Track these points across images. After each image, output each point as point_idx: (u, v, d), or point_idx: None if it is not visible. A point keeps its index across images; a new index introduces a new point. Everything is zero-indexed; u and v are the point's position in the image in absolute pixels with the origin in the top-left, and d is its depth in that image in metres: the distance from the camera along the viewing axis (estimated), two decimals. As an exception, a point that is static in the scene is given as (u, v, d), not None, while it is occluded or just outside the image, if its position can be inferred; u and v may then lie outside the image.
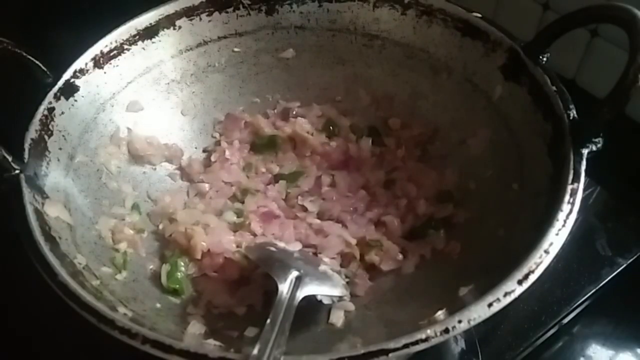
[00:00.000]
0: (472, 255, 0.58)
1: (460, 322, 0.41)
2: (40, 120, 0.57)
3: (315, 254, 0.62)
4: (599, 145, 0.50)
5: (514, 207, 0.56)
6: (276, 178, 0.70)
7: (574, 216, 0.47)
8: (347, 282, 0.59)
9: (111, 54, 0.65)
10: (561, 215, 0.47)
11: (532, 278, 0.44)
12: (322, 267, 0.58)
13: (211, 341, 0.50)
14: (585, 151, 0.50)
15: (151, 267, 0.61)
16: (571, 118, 0.53)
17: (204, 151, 0.73)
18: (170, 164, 0.70)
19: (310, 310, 0.54)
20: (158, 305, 0.56)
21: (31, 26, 1.00)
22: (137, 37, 0.67)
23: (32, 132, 0.56)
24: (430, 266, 0.61)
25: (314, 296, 0.53)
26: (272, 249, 0.59)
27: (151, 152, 0.68)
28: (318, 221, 0.65)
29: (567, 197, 0.48)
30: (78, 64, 0.62)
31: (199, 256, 0.60)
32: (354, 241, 0.62)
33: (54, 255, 0.48)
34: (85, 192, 0.60)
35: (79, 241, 0.55)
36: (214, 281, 0.60)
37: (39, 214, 0.52)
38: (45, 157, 0.57)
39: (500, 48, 0.62)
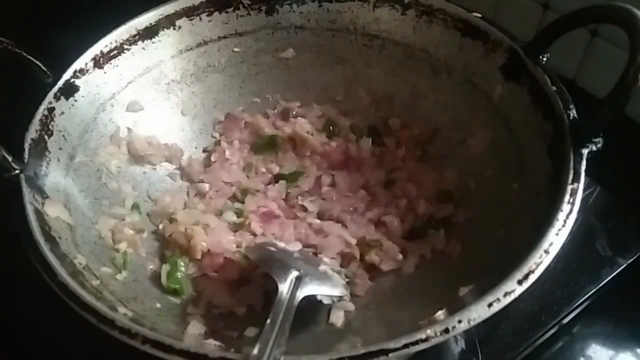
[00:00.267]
0: (472, 255, 0.58)
1: (460, 322, 0.41)
2: (40, 120, 0.57)
3: (315, 254, 0.62)
4: (599, 145, 0.50)
5: (514, 207, 0.56)
6: (276, 178, 0.70)
7: (574, 216, 0.47)
8: (347, 282, 0.59)
9: (111, 54, 0.65)
10: (561, 215, 0.47)
11: (532, 278, 0.44)
12: (322, 267, 0.58)
13: (211, 341, 0.50)
14: (585, 151, 0.50)
15: (151, 267, 0.61)
16: (571, 118, 0.53)
17: (204, 151, 0.73)
18: (170, 164, 0.70)
19: (310, 310, 0.54)
20: (158, 305, 0.56)
21: (31, 26, 1.00)
22: (137, 37, 0.67)
23: (32, 132, 0.56)
24: (430, 266, 0.61)
25: (314, 296, 0.53)
26: (272, 249, 0.59)
27: (151, 152, 0.68)
28: (318, 221, 0.65)
29: (567, 197, 0.48)
30: (78, 64, 0.62)
31: (199, 256, 0.60)
32: (354, 241, 0.62)
33: (54, 255, 0.48)
34: (85, 192, 0.60)
35: (79, 241, 0.55)
36: (214, 281, 0.60)
37: (39, 214, 0.52)
38: (45, 157, 0.57)
39: (500, 48, 0.62)
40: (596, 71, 0.79)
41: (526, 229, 0.51)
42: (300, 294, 0.50)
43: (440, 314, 0.46)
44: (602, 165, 0.53)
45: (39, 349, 0.64)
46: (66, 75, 0.61)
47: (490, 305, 0.42)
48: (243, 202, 0.67)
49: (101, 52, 0.64)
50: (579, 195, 0.48)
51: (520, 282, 0.43)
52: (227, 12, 0.70)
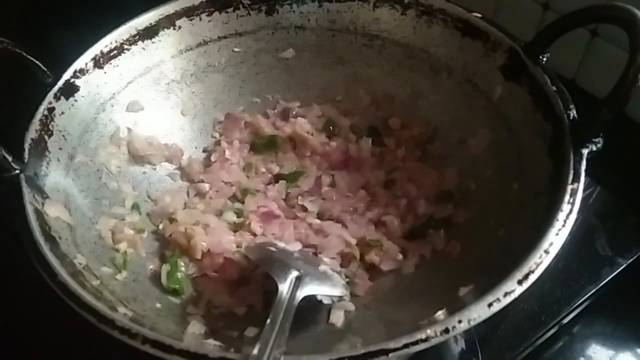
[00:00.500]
0: (472, 255, 0.58)
1: (460, 322, 0.41)
2: (40, 120, 0.57)
3: (315, 254, 0.62)
4: (599, 145, 0.50)
5: (514, 207, 0.56)
6: (276, 178, 0.70)
7: (574, 216, 0.47)
8: (347, 282, 0.59)
9: (111, 54, 0.65)
10: (561, 215, 0.47)
11: (532, 278, 0.44)
12: (322, 267, 0.58)
13: (211, 341, 0.50)
14: (585, 151, 0.50)
15: (151, 267, 0.61)
16: (571, 118, 0.53)
17: (204, 151, 0.73)
18: (170, 164, 0.70)
19: (310, 310, 0.54)
20: (158, 305, 0.56)
21: (31, 26, 1.00)
22: (137, 37, 0.67)
23: (32, 132, 0.56)
24: (430, 266, 0.61)
25: (314, 296, 0.53)
26: (272, 249, 0.59)
27: (151, 152, 0.68)
28: (318, 221, 0.65)
29: (567, 197, 0.48)
30: (78, 64, 0.62)
31: (199, 256, 0.60)
32: (354, 241, 0.62)
33: (54, 255, 0.48)
34: (85, 192, 0.60)
35: (79, 241, 0.55)
36: (214, 281, 0.60)
37: (39, 214, 0.52)
38: (45, 157, 0.57)
39: (500, 48, 0.62)
40: (596, 71, 0.79)
41: (526, 229, 0.51)
42: (300, 294, 0.50)
43: (440, 314, 0.46)
44: (602, 165, 0.53)
45: (39, 348, 0.64)
46: (66, 75, 0.61)
47: (490, 305, 0.42)
48: (243, 202, 0.67)
49: (101, 52, 0.64)
50: (579, 195, 0.48)
51: (520, 282, 0.43)
52: (227, 12, 0.70)
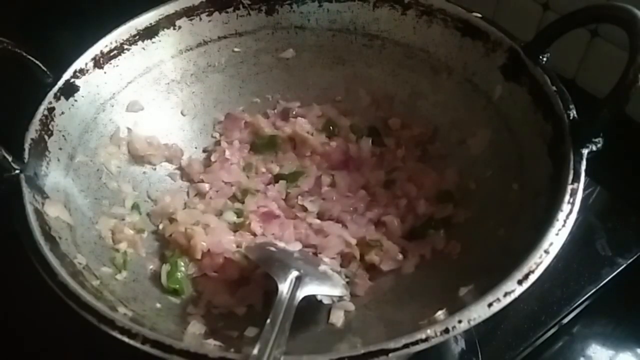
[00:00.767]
0: (472, 255, 0.58)
1: (460, 322, 0.41)
2: (40, 120, 0.57)
3: (315, 254, 0.62)
4: (599, 145, 0.50)
5: (514, 207, 0.56)
6: (276, 178, 0.70)
7: (574, 216, 0.47)
8: (347, 282, 0.59)
9: (111, 54, 0.65)
10: (561, 215, 0.47)
11: (532, 278, 0.44)
12: (322, 267, 0.58)
13: (211, 341, 0.50)
14: (585, 151, 0.50)
15: (151, 267, 0.61)
16: (571, 118, 0.53)
17: (204, 151, 0.73)
18: (170, 164, 0.70)
19: (310, 310, 0.54)
20: (158, 305, 0.56)
21: (31, 26, 1.00)
22: (137, 37, 0.67)
23: (32, 132, 0.56)
24: (430, 266, 0.61)
25: (314, 296, 0.53)
26: (272, 249, 0.59)
27: (151, 152, 0.68)
28: (318, 221, 0.65)
29: (567, 197, 0.48)
30: (78, 64, 0.62)
31: (199, 256, 0.60)
32: (354, 241, 0.62)
33: (54, 255, 0.48)
34: (85, 192, 0.60)
35: (79, 241, 0.55)
36: (214, 281, 0.60)
37: (39, 214, 0.52)
38: (45, 157, 0.57)
39: (500, 48, 0.62)
40: (596, 71, 0.79)
41: (526, 229, 0.51)
42: (300, 294, 0.50)
43: (440, 314, 0.46)
44: (602, 165, 0.53)
45: (39, 348, 0.64)
46: (66, 75, 0.61)
47: (490, 305, 0.42)
48: (243, 202, 0.67)
49: (101, 52, 0.64)
50: (579, 195, 0.48)
51: (520, 282, 0.43)
52: (227, 12, 0.70)
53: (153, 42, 0.68)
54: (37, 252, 0.48)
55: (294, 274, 0.51)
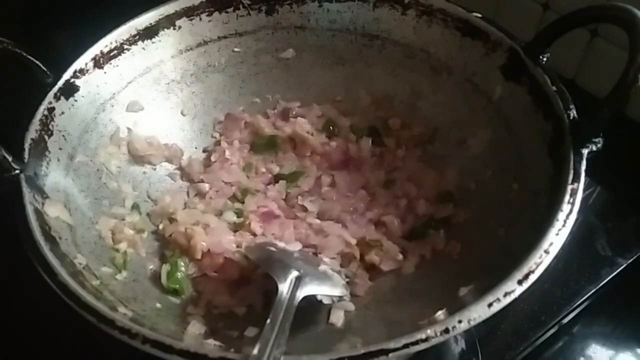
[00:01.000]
0: (472, 255, 0.58)
1: (460, 322, 0.41)
2: (40, 120, 0.57)
3: (315, 254, 0.62)
4: (599, 145, 0.50)
5: (514, 207, 0.56)
6: (276, 178, 0.70)
7: (574, 216, 0.47)
8: (347, 282, 0.59)
9: (111, 54, 0.65)
10: (561, 215, 0.47)
11: (532, 278, 0.44)
12: (322, 267, 0.58)
13: (211, 341, 0.50)
14: (585, 151, 0.50)
15: (151, 267, 0.61)
16: (571, 118, 0.53)
17: (204, 151, 0.73)
18: (170, 164, 0.70)
19: (310, 310, 0.54)
20: (158, 305, 0.56)
21: (31, 26, 1.00)
22: (137, 37, 0.67)
23: (32, 132, 0.56)
24: (430, 266, 0.61)
25: (314, 296, 0.53)
26: (272, 249, 0.59)
27: (151, 152, 0.68)
28: (318, 221, 0.65)
29: (567, 197, 0.48)
30: (78, 64, 0.62)
31: (199, 256, 0.60)
32: (354, 241, 0.62)
33: (54, 255, 0.48)
34: (85, 192, 0.60)
35: (79, 241, 0.55)
36: (214, 281, 0.60)
37: (39, 214, 0.52)
38: (45, 157, 0.57)
39: (500, 48, 0.62)
40: (596, 71, 0.79)
41: (526, 229, 0.51)
42: (300, 294, 0.50)
43: (440, 314, 0.46)
44: (602, 165, 0.53)
45: (39, 348, 0.64)
46: (66, 75, 0.61)
47: (490, 305, 0.42)
48: (243, 202, 0.67)
49: (101, 52, 0.64)
50: (579, 195, 0.48)
51: (520, 282, 0.43)
52: (227, 12, 0.70)
53: (153, 42, 0.68)
54: (37, 252, 0.48)
55: (294, 274, 0.51)
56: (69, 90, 0.61)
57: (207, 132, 0.73)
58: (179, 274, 0.59)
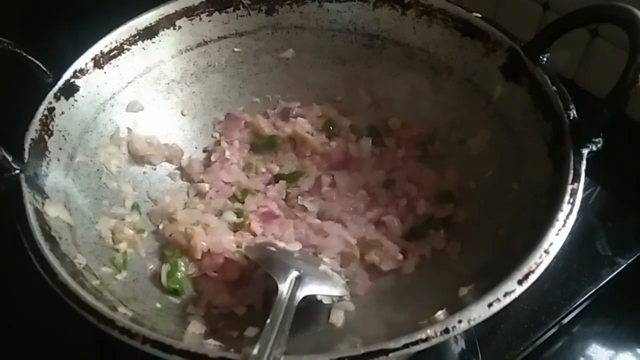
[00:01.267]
0: (472, 255, 0.58)
1: (460, 322, 0.41)
2: (40, 120, 0.57)
3: (315, 254, 0.62)
4: (599, 145, 0.50)
5: (514, 207, 0.56)
6: (276, 178, 0.70)
7: (574, 216, 0.47)
8: (347, 282, 0.59)
9: (111, 54, 0.65)
10: (561, 215, 0.47)
11: (532, 278, 0.44)
12: (322, 267, 0.58)
13: (211, 341, 0.50)
14: (585, 151, 0.50)
15: (151, 267, 0.61)
16: (571, 118, 0.53)
17: (204, 151, 0.73)
18: (170, 164, 0.70)
19: (310, 310, 0.54)
20: (158, 305, 0.56)
21: (31, 26, 1.00)
22: (137, 37, 0.67)
23: (32, 132, 0.56)
24: (430, 266, 0.61)
25: (314, 296, 0.53)
26: (272, 249, 0.59)
27: (151, 152, 0.68)
28: (318, 221, 0.65)
29: (567, 197, 0.48)
30: (78, 64, 0.62)
31: (199, 256, 0.60)
32: (354, 241, 0.62)
33: (54, 255, 0.48)
34: (85, 192, 0.60)
35: (79, 241, 0.55)
36: (214, 281, 0.60)
37: (39, 214, 0.52)
38: (45, 157, 0.57)
39: (500, 48, 0.62)
40: (596, 71, 0.79)
41: (526, 229, 0.51)
42: (300, 294, 0.50)
43: (440, 314, 0.46)
44: (602, 165, 0.53)
45: (39, 348, 0.64)
46: (66, 75, 0.61)
47: (490, 305, 0.42)
48: (243, 202, 0.67)
49: (101, 52, 0.64)
50: (579, 195, 0.48)
51: (520, 282, 0.43)
52: (227, 12, 0.70)
53: (153, 42, 0.68)
54: (37, 252, 0.48)
55: (294, 274, 0.51)
56: (69, 90, 0.61)
57: (207, 132, 0.73)
58: (179, 274, 0.59)
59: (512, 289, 0.43)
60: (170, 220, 0.64)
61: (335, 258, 0.62)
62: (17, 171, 0.52)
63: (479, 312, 0.42)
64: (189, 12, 0.69)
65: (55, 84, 0.60)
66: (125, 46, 0.66)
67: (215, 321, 0.56)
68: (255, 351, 0.41)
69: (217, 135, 0.73)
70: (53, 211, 0.54)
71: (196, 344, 0.46)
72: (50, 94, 0.59)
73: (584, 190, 0.49)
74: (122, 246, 0.59)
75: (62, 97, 0.60)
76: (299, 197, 0.68)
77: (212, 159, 0.71)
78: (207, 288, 0.60)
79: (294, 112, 0.74)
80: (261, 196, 0.68)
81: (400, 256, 0.61)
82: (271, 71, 0.74)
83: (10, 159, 0.52)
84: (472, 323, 0.42)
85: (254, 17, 0.71)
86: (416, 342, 0.40)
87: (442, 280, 0.57)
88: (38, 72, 0.59)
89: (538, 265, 0.44)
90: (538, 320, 0.63)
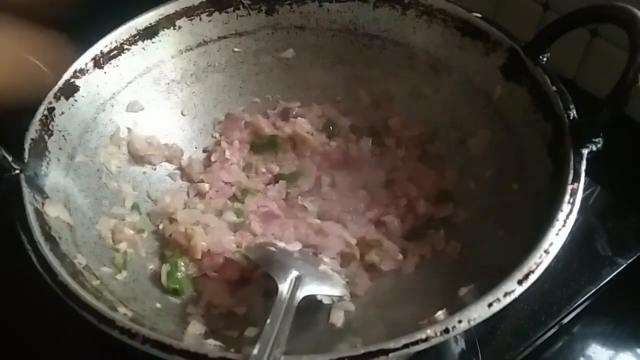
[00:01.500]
0: (472, 255, 0.58)
1: (460, 322, 0.41)
2: (40, 120, 0.57)
3: (315, 254, 0.62)
4: (599, 145, 0.50)
5: (514, 207, 0.56)
6: (276, 178, 0.70)
7: (574, 216, 0.47)
8: (347, 282, 0.59)
9: (111, 54, 0.65)
10: (561, 215, 0.47)
11: (532, 278, 0.44)
12: (322, 267, 0.58)
13: (211, 341, 0.50)
14: (585, 151, 0.50)
15: (151, 267, 0.61)
16: (571, 118, 0.53)
17: (204, 151, 0.73)
18: (170, 164, 0.70)
19: (310, 310, 0.54)
20: (158, 305, 0.56)
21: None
22: (137, 37, 0.67)
23: (32, 132, 0.56)
24: (430, 266, 0.61)
25: (314, 296, 0.53)
26: (272, 249, 0.59)
27: (151, 152, 0.68)
28: (318, 221, 0.65)
29: (567, 197, 0.48)
30: (78, 64, 0.62)
31: (199, 256, 0.60)
32: (354, 241, 0.62)
33: (54, 255, 0.48)
34: (85, 192, 0.60)
35: (79, 241, 0.55)
36: (214, 281, 0.60)
37: (39, 214, 0.52)
38: (45, 157, 0.57)
39: (500, 48, 0.62)
40: (596, 71, 0.79)
41: (526, 229, 0.51)
42: (300, 294, 0.50)
43: (440, 314, 0.46)
44: (602, 165, 0.53)
45: (39, 348, 0.64)
46: (66, 75, 0.61)
47: (490, 305, 0.42)
48: (243, 202, 0.67)
49: (101, 52, 0.64)
50: (579, 195, 0.48)
51: (520, 282, 0.43)
52: (227, 12, 0.70)
53: (153, 42, 0.68)
54: (37, 252, 0.48)
55: (294, 274, 0.51)
56: (69, 90, 0.61)
57: (207, 132, 0.73)
58: (179, 274, 0.59)
59: (512, 289, 0.43)
60: (170, 220, 0.64)
61: (335, 258, 0.62)
62: (17, 171, 0.52)
63: (479, 312, 0.42)
64: (189, 12, 0.69)
65: (55, 84, 0.60)
66: (125, 46, 0.66)
67: (215, 321, 0.56)
68: (255, 351, 0.41)
69: (217, 135, 0.73)
70: (53, 211, 0.54)
71: (196, 344, 0.46)
72: (50, 94, 0.59)
73: (584, 190, 0.49)
74: (122, 246, 0.59)
75: (62, 97, 0.60)
76: (299, 197, 0.68)
77: (212, 159, 0.71)
78: (207, 288, 0.60)
79: (294, 112, 0.74)
80: (261, 196, 0.68)
81: (400, 256, 0.61)
82: (271, 71, 0.74)
83: (10, 159, 0.52)
84: (472, 323, 0.41)
85: (254, 17, 0.71)
86: (416, 342, 0.40)
87: (442, 280, 0.57)
88: (38, 72, 0.59)
89: (538, 265, 0.44)
90: (538, 320, 0.63)
